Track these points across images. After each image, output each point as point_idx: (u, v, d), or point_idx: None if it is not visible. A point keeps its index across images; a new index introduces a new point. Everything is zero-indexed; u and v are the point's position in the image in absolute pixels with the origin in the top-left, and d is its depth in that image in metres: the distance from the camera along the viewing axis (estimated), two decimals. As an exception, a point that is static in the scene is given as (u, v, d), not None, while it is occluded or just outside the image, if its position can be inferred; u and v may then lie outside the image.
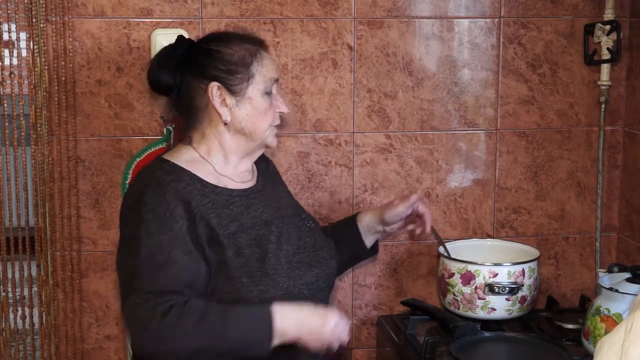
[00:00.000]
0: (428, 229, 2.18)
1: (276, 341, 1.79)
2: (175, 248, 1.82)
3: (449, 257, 2.33)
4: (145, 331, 1.78)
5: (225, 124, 1.93)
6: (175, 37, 2.03)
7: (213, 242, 1.87)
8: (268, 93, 1.95)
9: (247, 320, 1.80)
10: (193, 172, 1.92)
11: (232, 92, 1.92)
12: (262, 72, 1.93)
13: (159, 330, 1.76)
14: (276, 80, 1.98)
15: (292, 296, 1.91)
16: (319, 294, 2.00)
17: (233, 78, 1.91)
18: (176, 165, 1.92)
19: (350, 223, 2.23)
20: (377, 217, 2.19)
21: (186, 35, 2.30)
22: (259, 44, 1.98)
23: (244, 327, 1.79)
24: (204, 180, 1.92)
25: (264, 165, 2.12)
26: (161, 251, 1.81)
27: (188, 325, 1.76)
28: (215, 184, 1.93)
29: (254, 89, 1.93)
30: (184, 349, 1.77)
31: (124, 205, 1.94)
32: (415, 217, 2.18)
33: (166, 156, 1.97)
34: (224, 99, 1.92)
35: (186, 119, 1.99)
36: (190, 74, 1.94)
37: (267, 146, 2.01)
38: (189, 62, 1.95)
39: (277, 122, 1.99)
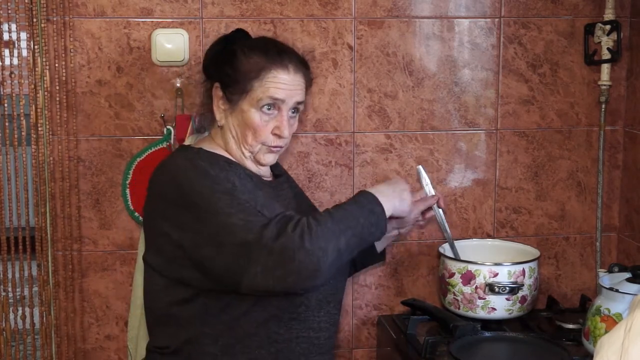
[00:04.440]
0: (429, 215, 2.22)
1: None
2: (241, 195, 1.82)
3: (452, 258, 2.33)
4: (301, 249, 1.71)
5: (219, 126, 1.95)
6: (235, 30, 2.05)
7: None
8: (264, 110, 1.91)
9: (358, 205, 1.87)
10: (226, 156, 1.93)
11: (228, 99, 1.93)
12: (262, 89, 1.90)
13: (313, 242, 1.72)
14: (283, 101, 1.92)
15: (315, 287, 1.90)
16: (339, 284, 2.06)
17: (233, 86, 1.92)
18: (209, 151, 1.93)
19: None
20: (394, 222, 2.19)
21: (186, 36, 2.31)
22: (278, 63, 1.92)
23: (361, 209, 1.86)
24: (234, 162, 1.93)
25: (275, 165, 2.13)
26: (235, 201, 1.79)
27: (328, 225, 1.77)
28: (248, 168, 1.95)
29: (247, 103, 1.91)
30: (338, 249, 1.77)
31: (174, 196, 1.85)
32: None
33: (189, 144, 1.99)
34: (220, 102, 1.94)
35: (210, 111, 2.01)
36: (213, 68, 1.98)
37: (260, 163, 1.97)
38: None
39: (273, 142, 1.94)
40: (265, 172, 2.03)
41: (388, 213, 1.91)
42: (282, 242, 1.71)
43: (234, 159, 1.95)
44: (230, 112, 1.94)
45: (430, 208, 2.19)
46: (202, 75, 2.03)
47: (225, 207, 1.78)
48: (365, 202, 1.88)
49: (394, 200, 1.94)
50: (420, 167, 2.24)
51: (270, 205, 1.87)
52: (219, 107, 1.95)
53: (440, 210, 2.20)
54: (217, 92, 1.94)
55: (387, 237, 2.26)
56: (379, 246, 2.25)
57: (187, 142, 2.14)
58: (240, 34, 2.03)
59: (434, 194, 2.21)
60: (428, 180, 2.23)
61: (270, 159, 1.97)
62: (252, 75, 1.91)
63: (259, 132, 1.92)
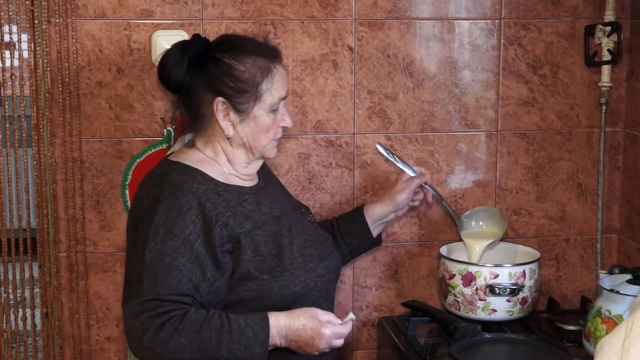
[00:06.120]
0: (430, 198, 2.35)
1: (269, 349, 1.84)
2: (180, 255, 1.82)
3: (452, 259, 2.33)
4: (139, 341, 1.80)
5: (228, 137, 1.94)
6: (191, 36, 2.04)
7: (233, 242, 1.88)
8: (274, 110, 1.95)
9: (242, 336, 1.81)
10: (204, 171, 1.93)
11: (237, 110, 1.92)
12: (271, 91, 1.92)
13: (151, 345, 1.78)
14: (284, 98, 1.96)
15: (309, 289, 1.94)
16: (329, 286, 2.05)
17: (240, 96, 1.90)
18: (187, 165, 1.93)
19: (355, 215, 2.28)
20: (389, 205, 2.25)
21: (187, 37, 2.30)
22: (273, 58, 1.94)
23: (238, 342, 1.80)
24: (215, 179, 1.93)
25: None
26: (165, 258, 1.81)
27: (181, 342, 1.78)
28: (226, 182, 1.94)
29: (260, 108, 1.92)
30: None
31: (136, 208, 1.93)
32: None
33: (173, 158, 1.98)
34: (228, 114, 1.92)
35: (192, 122, 2.00)
36: (199, 81, 1.92)
37: (265, 157, 2.02)
38: (199, 67, 1.92)
39: (279, 135, 2.00)
40: (251, 177, 2.02)
41: (285, 344, 1.85)
42: (130, 322, 1.81)
43: (214, 175, 1.93)
44: (240, 122, 1.93)
45: (420, 187, 2.28)
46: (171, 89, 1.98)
47: (154, 258, 1.82)
48: (251, 337, 1.81)
49: (296, 340, 1.85)
50: (378, 145, 2.28)
51: (200, 262, 1.84)
52: (228, 121, 1.93)
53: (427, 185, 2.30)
54: (222, 107, 1.91)
55: (384, 222, 2.28)
56: (375, 231, 2.27)
57: (176, 145, 2.13)
58: (198, 37, 2.01)
59: (417, 172, 2.28)
60: (397, 159, 2.30)
61: (275, 150, 2.02)
62: (259, 80, 1.91)
63: (272, 131, 1.96)
